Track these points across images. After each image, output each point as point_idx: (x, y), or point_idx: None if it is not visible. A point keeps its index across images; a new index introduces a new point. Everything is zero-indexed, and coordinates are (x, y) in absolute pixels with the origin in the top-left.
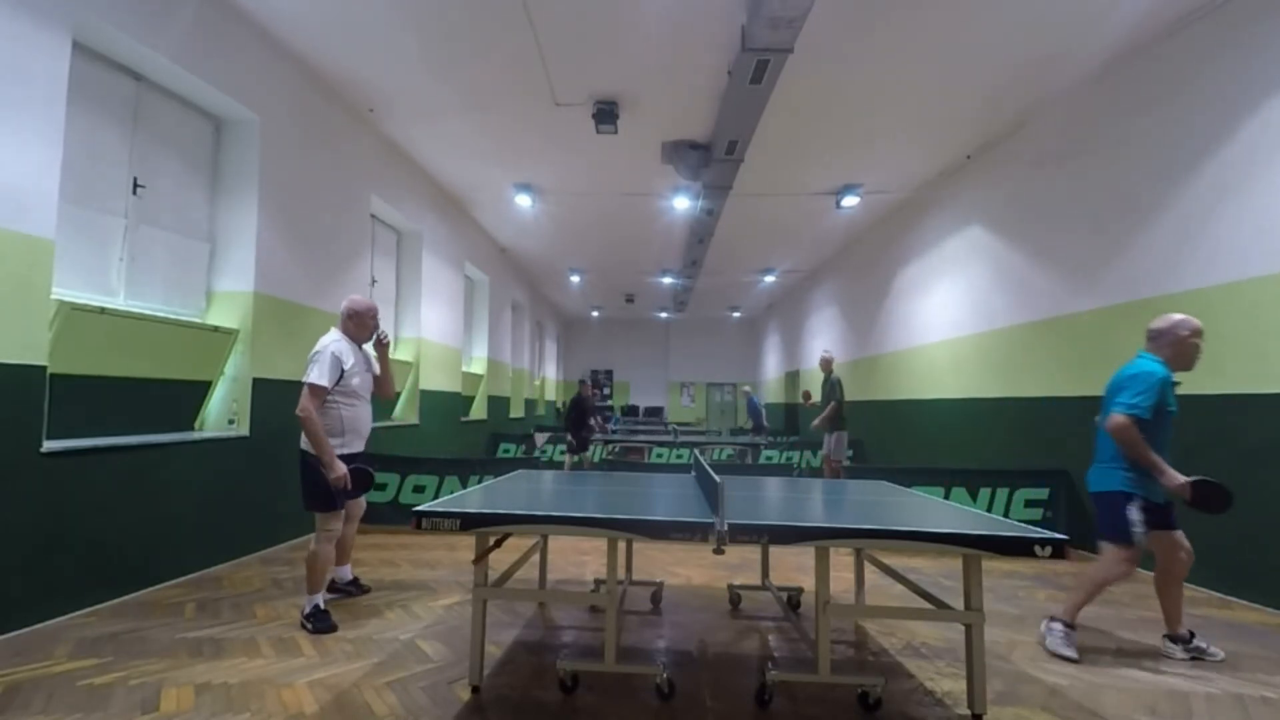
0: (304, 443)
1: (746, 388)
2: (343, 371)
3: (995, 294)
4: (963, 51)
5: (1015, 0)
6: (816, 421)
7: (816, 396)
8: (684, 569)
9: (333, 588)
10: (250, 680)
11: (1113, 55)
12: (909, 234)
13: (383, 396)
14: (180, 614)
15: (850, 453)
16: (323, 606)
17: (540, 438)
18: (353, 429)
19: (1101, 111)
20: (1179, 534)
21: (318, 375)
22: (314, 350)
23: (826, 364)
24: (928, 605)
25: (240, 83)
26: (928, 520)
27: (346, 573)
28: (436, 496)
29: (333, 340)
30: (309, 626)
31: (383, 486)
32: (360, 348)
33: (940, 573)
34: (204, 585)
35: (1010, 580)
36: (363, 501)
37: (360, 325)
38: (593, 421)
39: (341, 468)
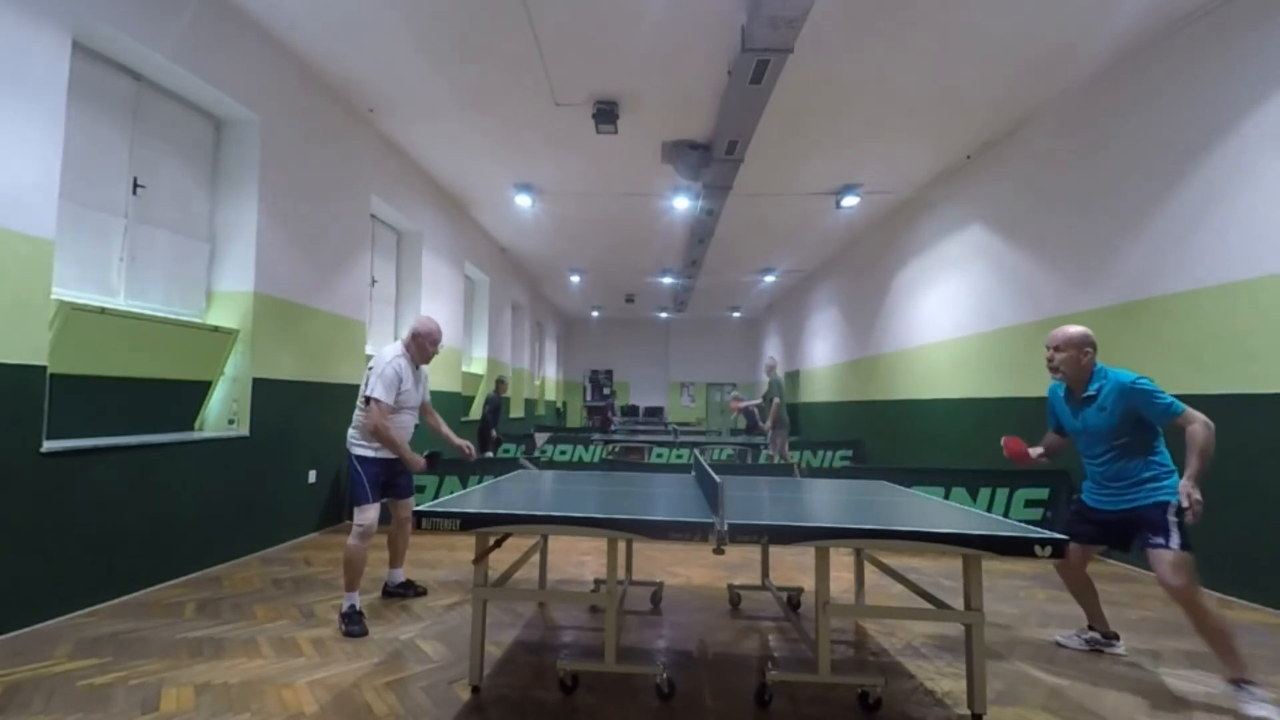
0: (348, 443)
1: (735, 392)
2: (399, 388)
3: (995, 294)
4: (963, 51)
5: (1015, 1)
6: (768, 423)
7: (754, 400)
8: (684, 569)
9: (386, 591)
10: (250, 680)
11: (1112, 55)
12: (909, 234)
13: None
14: (180, 614)
15: (849, 453)
16: (358, 607)
17: (540, 438)
18: None
19: (1101, 111)
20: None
21: (382, 392)
22: (377, 366)
23: (770, 369)
24: (928, 605)
25: (240, 83)
26: (928, 520)
27: (398, 576)
28: (436, 496)
29: (395, 356)
30: (341, 628)
31: None
32: (417, 366)
33: (940, 573)
34: (204, 585)
35: (1010, 580)
36: (411, 503)
37: (419, 348)
38: (494, 432)
39: (419, 459)
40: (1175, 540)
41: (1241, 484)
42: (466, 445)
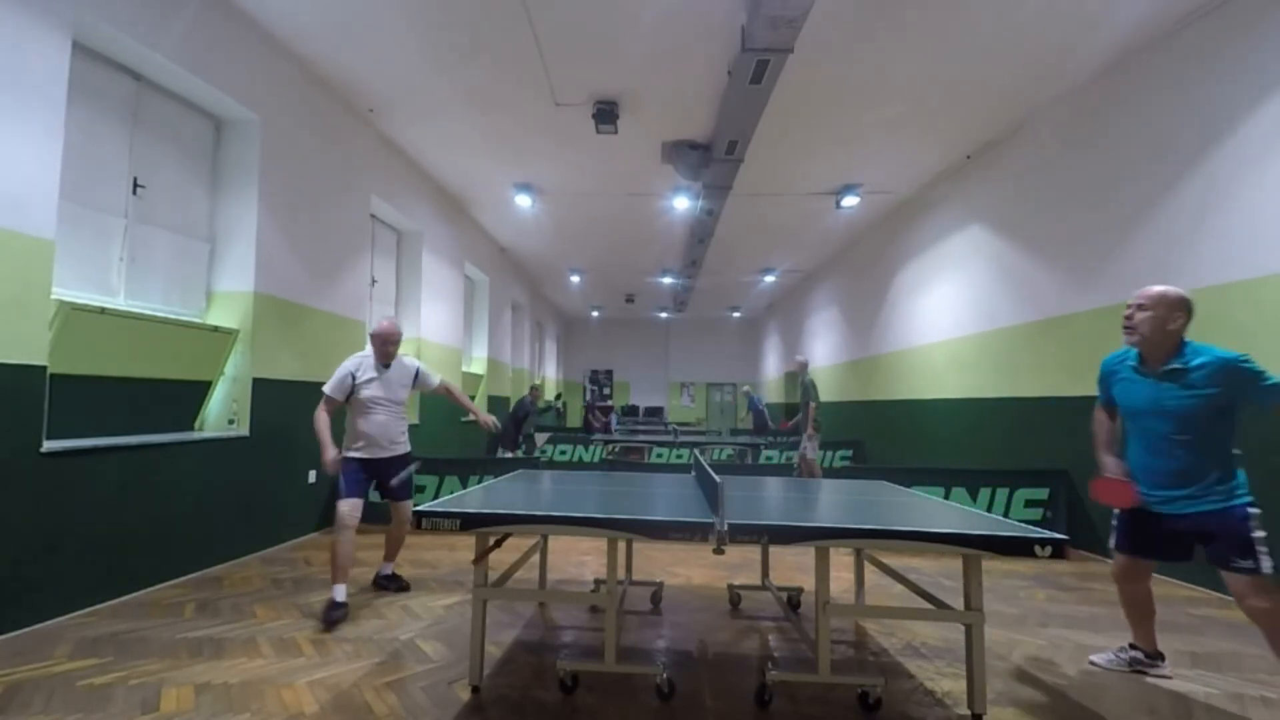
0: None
1: (746, 387)
2: (354, 385)
3: (995, 293)
4: (963, 51)
5: (1015, 1)
6: (810, 429)
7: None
8: (684, 569)
9: (375, 581)
10: (250, 680)
11: (1113, 55)
12: (909, 234)
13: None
14: (180, 614)
15: (849, 453)
16: (338, 599)
17: (540, 438)
18: (365, 435)
19: (1101, 111)
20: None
21: (327, 386)
22: None
23: (802, 366)
24: (928, 605)
25: (240, 83)
26: (928, 520)
27: (386, 568)
28: (436, 496)
29: (356, 355)
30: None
31: None
32: (382, 365)
33: (940, 573)
34: (204, 585)
35: (1010, 580)
36: (406, 506)
37: (376, 348)
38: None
39: (329, 454)
40: (1266, 563)
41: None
42: (490, 420)
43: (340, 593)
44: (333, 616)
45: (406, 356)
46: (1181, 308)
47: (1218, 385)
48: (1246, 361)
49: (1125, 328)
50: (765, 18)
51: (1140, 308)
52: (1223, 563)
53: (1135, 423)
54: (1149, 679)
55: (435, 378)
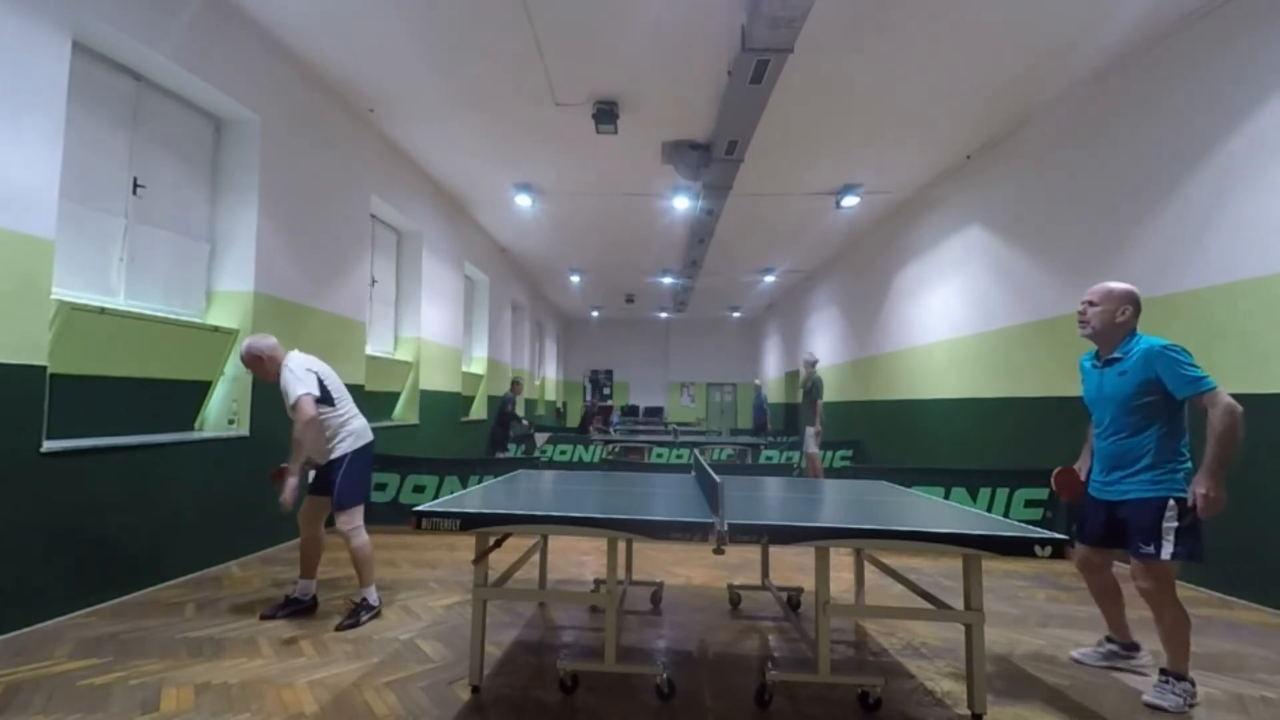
0: None
1: (757, 381)
2: None
3: (995, 294)
4: (963, 51)
5: (1016, 1)
6: (816, 426)
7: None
8: (684, 569)
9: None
10: (250, 680)
11: (1113, 55)
12: (909, 234)
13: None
14: (180, 614)
15: (849, 453)
16: (292, 595)
17: (540, 437)
18: None
19: (1101, 111)
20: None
21: None
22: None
23: (810, 365)
24: (928, 605)
25: (240, 83)
26: (928, 520)
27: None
28: (436, 496)
29: None
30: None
31: (382, 487)
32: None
33: (940, 573)
34: (204, 585)
35: (1010, 580)
36: (340, 520)
37: None
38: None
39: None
40: (1167, 551)
41: (1244, 484)
42: (288, 495)
43: (299, 589)
44: (266, 610)
45: (287, 361)
46: (1128, 300)
47: (1145, 369)
48: (1174, 349)
49: (1080, 323)
50: (765, 18)
51: (1091, 304)
52: (1133, 548)
53: (1092, 413)
54: (1139, 674)
55: (291, 391)
